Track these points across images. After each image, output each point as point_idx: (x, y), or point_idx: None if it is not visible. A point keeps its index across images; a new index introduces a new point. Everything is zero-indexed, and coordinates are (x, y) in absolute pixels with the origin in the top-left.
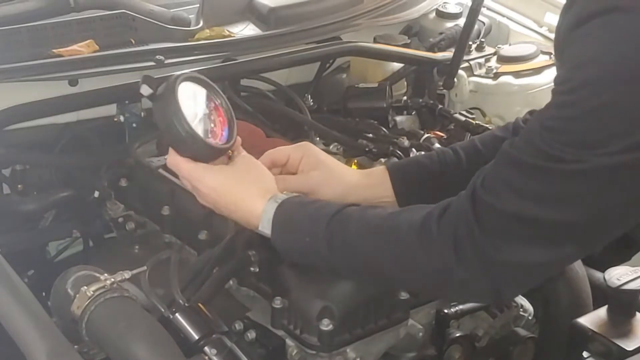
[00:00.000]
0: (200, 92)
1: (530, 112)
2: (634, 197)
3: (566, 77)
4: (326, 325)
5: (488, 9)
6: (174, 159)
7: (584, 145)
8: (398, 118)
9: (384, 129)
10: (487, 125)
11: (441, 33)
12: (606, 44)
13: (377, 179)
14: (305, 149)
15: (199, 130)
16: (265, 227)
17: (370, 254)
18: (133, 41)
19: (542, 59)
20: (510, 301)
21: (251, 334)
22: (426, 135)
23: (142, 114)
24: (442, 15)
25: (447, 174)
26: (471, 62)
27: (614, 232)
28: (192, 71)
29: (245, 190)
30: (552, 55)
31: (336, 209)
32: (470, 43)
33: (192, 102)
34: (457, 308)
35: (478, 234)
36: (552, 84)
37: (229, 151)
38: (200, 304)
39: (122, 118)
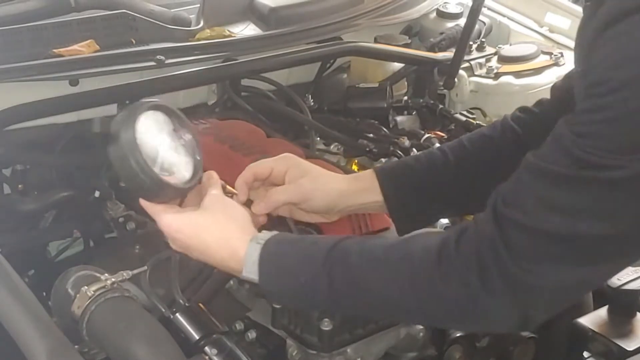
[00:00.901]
0: (162, 121)
1: (520, 110)
2: None
3: (601, 79)
4: (327, 325)
5: (488, 9)
6: (143, 202)
7: (624, 150)
8: (399, 118)
9: (384, 129)
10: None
11: (442, 33)
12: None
13: (366, 184)
14: (288, 161)
15: (162, 169)
16: (251, 272)
17: (380, 287)
18: (133, 41)
19: (543, 59)
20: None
21: (252, 334)
22: (427, 136)
23: None
24: (442, 15)
25: (435, 173)
26: (472, 62)
27: None
28: (153, 100)
29: (220, 232)
30: (552, 55)
31: (332, 243)
32: (471, 43)
33: (153, 134)
34: None
35: (505, 255)
36: (553, 83)
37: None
38: (200, 304)
39: None
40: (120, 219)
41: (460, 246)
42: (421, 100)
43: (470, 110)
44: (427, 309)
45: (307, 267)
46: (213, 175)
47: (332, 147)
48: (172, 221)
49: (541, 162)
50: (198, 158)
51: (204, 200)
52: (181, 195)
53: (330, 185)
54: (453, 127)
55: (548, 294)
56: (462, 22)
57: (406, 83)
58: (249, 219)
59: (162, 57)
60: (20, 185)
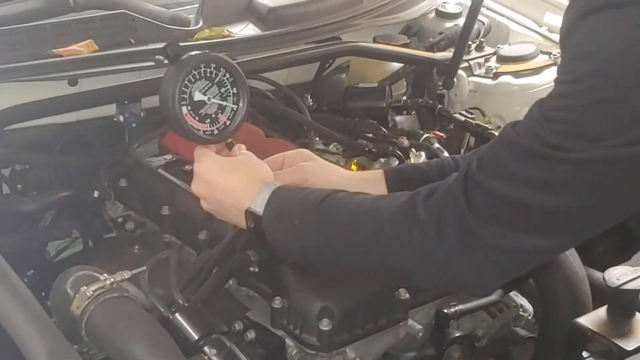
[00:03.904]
0: (223, 79)
1: None
2: (629, 190)
3: (569, 67)
4: (326, 325)
5: (487, 8)
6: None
7: (584, 137)
8: (397, 118)
9: (383, 129)
10: (486, 125)
11: (441, 33)
12: (612, 36)
13: (372, 176)
14: (297, 151)
15: (197, 115)
16: (258, 206)
17: (353, 233)
18: (132, 41)
19: (542, 59)
20: (492, 289)
21: (251, 334)
22: (426, 135)
23: (142, 113)
24: (441, 15)
25: (443, 178)
26: (471, 62)
27: (605, 224)
28: (229, 59)
29: (245, 175)
30: (551, 55)
31: (326, 193)
32: (470, 43)
33: (208, 82)
34: (456, 308)
35: (466, 212)
36: (552, 83)
37: (228, 140)
38: (199, 304)
39: (121, 118)
40: (120, 219)
41: (428, 200)
42: (420, 100)
43: (470, 110)
44: (388, 257)
45: (302, 211)
46: (242, 146)
47: (331, 147)
48: (207, 161)
49: (514, 135)
50: (235, 120)
51: (238, 155)
52: (207, 142)
53: (331, 171)
54: (452, 127)
55: (502, 255)
56: (461, 22)
57: (405, 83)
58: (272, 174)
59: (161, 57)
60: (19, 186)
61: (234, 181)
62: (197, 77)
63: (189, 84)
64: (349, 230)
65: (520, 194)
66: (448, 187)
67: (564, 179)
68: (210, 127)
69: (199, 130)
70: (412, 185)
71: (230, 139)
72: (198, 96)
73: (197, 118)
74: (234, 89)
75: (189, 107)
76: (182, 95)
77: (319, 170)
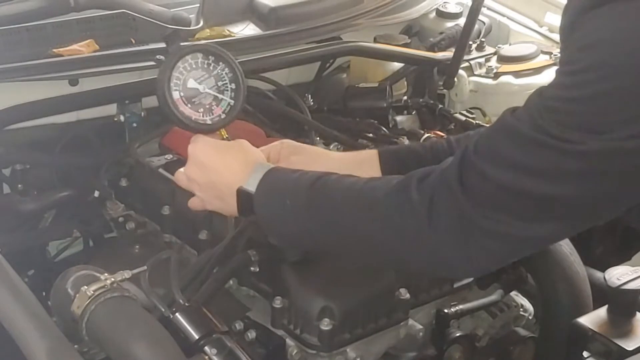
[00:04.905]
0: (222, 73)
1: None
2: (627, 182)
3: (573, 58)
4: (326, 324)
5: (488, 8)
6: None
7: (586, 129)
8: (398, 118)
9: (384, 129)
10: (487, 125)
11: (441, 33)
12: (617, 28)
13: (366, 156)
14: (282, 143)
15: (193, 105)
16: (250, 185)
17: (345, 215)
18: (133, 41)
19: (543, 59)
20: (483, 274)
21: (251, 334)
22: (426, 135)
23: (143, 113)
24: (442, 15)
25: (438, 161)
26: (471, 62)
27: (602, 215)
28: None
29: (240, 155)
30: (552, 55)
31: (319, 174)
32: (471, 43)
33: (204, 73)
34: (457, 308)
35: (460, 196)
36: None
37: (225, 136)
38: (200, 304)
39: (122, 118)
40: (120, 219)
41: (422, 182)
42: (421, 100)
43: (470, 110)
44: (380, 239)
45: (294, 192)
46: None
47: (331, 147)
48: (202, 142)
49: (513, 120)
50: (232, 111)
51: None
52: (198, 131)
53: (324, 157)
54: (453, 127)
55: (496, 241)
56: (461, 21)
57: (406, 83)
58: (265, 159)
59: (162, 57)
60: (20, 185)
61: (228, 160)
62: (194, 66)
63: (184, 72)
64: (341, 212)
65: (516, 180)
66: (443, 171)
67: (563, 169)
68: (203, 116)
69: (190, 117)
70: (406, 167)
71: (226, 135)
72: (192, 84)
73: (189, 105)
74: (232, 84)
75: (182, 94)
76: (176, 81)
77: (309, 161)
